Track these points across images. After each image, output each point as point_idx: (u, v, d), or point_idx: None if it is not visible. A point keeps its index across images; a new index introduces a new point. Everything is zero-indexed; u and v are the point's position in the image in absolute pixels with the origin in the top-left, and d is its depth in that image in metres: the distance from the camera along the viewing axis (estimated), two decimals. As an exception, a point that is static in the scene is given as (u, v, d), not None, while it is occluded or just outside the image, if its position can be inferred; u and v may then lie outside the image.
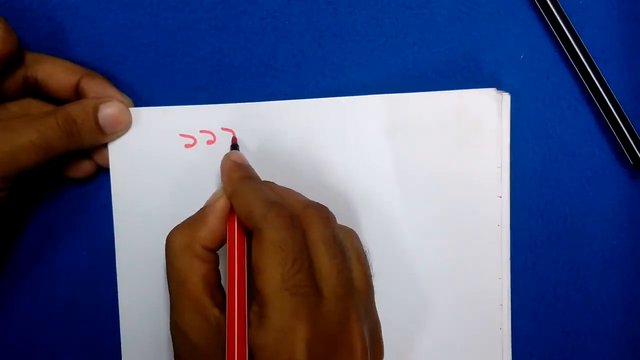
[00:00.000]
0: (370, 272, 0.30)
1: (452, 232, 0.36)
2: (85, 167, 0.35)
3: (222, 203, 0.30)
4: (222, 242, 0.29)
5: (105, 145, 0.34)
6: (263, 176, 0.32)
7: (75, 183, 0.36)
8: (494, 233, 0.36)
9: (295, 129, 0.35)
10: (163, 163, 0.35)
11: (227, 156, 0.33)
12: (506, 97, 0.35)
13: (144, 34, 0.36)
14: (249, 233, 0.28)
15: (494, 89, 0.35)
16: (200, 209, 0.30)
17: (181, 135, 0.35)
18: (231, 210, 0.30)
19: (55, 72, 0.33)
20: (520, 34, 0.37)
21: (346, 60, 0.37)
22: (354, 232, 0.30)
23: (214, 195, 0.31)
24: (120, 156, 0.34)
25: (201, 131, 0.35)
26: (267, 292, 0.26)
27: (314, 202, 0.29)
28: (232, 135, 0.35)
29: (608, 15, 0.37)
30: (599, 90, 0.36)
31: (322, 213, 0.29)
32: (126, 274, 0.35)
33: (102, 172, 0.36)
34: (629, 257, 0.38)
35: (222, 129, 0.35)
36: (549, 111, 0.37)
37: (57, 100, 0.34)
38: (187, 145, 0.35)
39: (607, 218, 0.38)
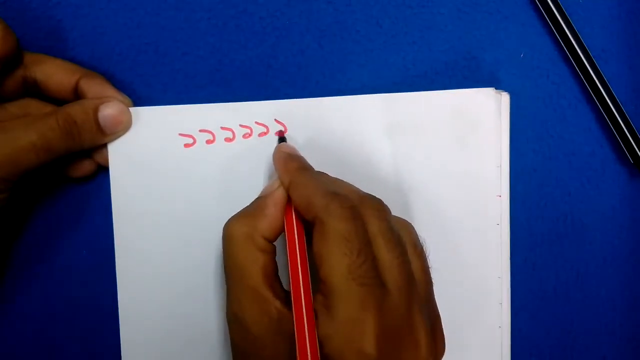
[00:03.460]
0: (428, 264, 0.29)
1: (452, 231, 0.36)
2: (85, 167, 0.35)
3: (280, 193, 0.30)
4: (280, 233, 0.29)
5: (105, 145, 0.34)
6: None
7: (75, 182, 0.36)
8: (494, 232, 0.36)
9: (295, 129, 0.35)
10: (162, 162, 0.35)
11: (278, 148, 0.33)
12: (505, 97, 0.35)
13: (144, 33, 0.36)
14: (307, 223, 0.28)
15: (492, 88, 0.35)
16: (257, 199, 0.30)
17: (180, 134, 0.35)
18: (288, 201, 0.29)
19: (54, 73, 0.33)
20: (520, 33, 0.37)
21: (346, 60, 0.37)
22: (410, 224, 0.30)
23: (270, 185, 0.31)
24: (119, 156, 0.34)
25: (200, 130, 0.35)
26: (334, 281, 0.25)
27: (368, 194, 0.29)
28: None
29: (608, 15, 0.37)
30: (599, 89, 0.36)
31: (379, 205, 0.28)
32: (126, 273, 0.35)
33: (102, 172, 0.36)
34: (629, 256, 0.38)
35: (222, 128, 0.35)
36: (549, 110, 0.37)
37: (56, 100, 0.34)
38: (186, 145, 0.35)
39: (607, 217, 0.38)
